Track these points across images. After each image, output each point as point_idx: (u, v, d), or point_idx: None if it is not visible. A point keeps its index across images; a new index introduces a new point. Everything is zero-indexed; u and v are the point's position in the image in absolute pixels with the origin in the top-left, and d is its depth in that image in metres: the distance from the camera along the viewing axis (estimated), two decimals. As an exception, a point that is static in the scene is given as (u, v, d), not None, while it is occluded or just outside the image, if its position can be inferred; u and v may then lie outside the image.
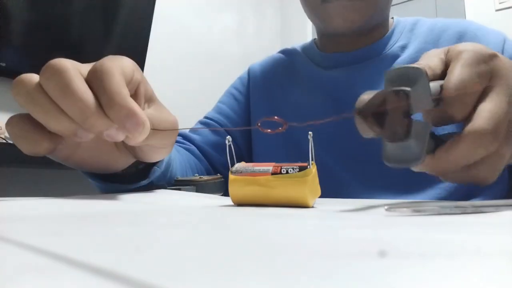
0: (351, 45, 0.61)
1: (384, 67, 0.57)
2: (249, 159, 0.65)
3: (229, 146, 0.27)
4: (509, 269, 0.10)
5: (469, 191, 0.49)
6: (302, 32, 2.63)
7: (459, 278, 0.09)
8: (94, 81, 0.27)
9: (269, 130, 0.32)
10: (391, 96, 0.25)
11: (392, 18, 0.64)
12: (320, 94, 0.59)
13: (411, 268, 0.10)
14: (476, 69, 0.27)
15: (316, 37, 0.68)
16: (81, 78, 0.27)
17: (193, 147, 0.63)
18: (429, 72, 0.27)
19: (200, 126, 0.67)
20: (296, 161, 0.30)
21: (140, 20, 1.73)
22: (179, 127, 0.34)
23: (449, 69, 0.28)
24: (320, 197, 0.28)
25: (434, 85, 0.26)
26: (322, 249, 0.12)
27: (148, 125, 0.27)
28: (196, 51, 2.19)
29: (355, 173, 0.53)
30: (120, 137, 0.28)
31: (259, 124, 0.31)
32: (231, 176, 0.27)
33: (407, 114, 0.25)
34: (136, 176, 0.39)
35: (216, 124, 0.66)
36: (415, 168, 0.27)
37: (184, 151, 0.60)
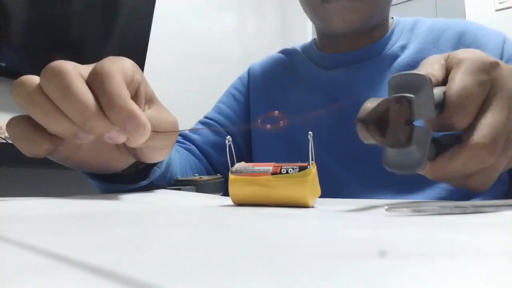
0: (351, 45, 0.61)
1: (384, 67, 0.57)
2: (249, 159, 0.65)
3: (229, 146, 0.27)
4: (509, 269, 0.10)
5: (468, 191, 0.49)
6: (302, 32, 2.63)
7: (459, 278, 0.09)
8: (95, 83, 0.27)
9: (268, 126, 0.32)
10: (394, 103, 0.25)
11: (392, 18, 0.64)
12: (320, 94, 0.59)
13: (411, 268, 0.10)
14: (478, 77, 0.27)
15: (316, 37, 0.68)
16: (81, 80, 0.27)
17: (193, 147, 0.63)
18: (432, 80, 0.27)
19: (200, 126, 0.67)
20: (296, 161, 0.30)
21: (140, 20, 1.73)
22: (179, 127, 0.34)
23: (450, 76, 0.28)
24: (320, 197, 0.28)
25: (436, 91, 0.26)
26: (322, 249, 0.12)
27: (148, 127, 0.27)
28: (196, 51, 2.19)
29: (355, 173, 0.53)
30: (120, 139, 0.28)
31: (259, 121, 0.31)
32: (231, 176, 0.27)
33: (410, 120, 0.25)
34: (136, 176, 0.39)
35: (216, 124, 0.66)
36: (423, 172, 0.28)
37: (184, 151, 0.60)
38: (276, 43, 2.70)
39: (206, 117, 0.68)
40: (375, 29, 0.60)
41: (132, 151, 0.35)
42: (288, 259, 0.11)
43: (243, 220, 0.20)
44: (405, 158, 0.25)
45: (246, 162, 0.30)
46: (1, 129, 1.28)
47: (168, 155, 0.39)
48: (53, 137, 0.28)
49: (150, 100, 0.33)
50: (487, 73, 0.27)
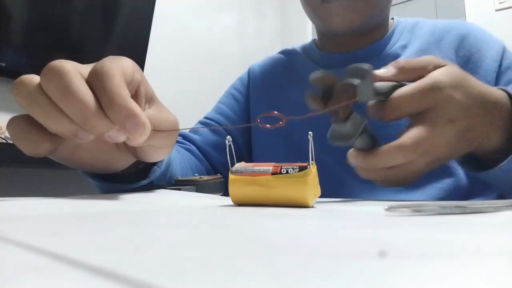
0: (351, 45, 0.61)
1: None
2: (249, 159, 0.65)
3: (229, 146, 0.27)
4: (509, 269, 0.10)
5: (468, 191, 0.49)
6: (302, 32, 2.63)
7: (459, 278, 0.09)
8: (95, 82, 0.27)
9: (268, 126, 0.32)
10: (342, 86, 0.32)
11: (392, 18, 0.64)
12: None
13: (411, 268, 0.10)
14: (423, 97, 0.32)
15: (316, 37, 0.68)
16: (81, 79, 0.27)
17: (193, 147, 0.63)
18: (378, 77, 0.34)
19: (200, 126, 0.67)
20: (296, 161, 0.30)
21: (140, 20, 1.73)
22: (179, 127, 0.34)
23: (407, 86, 0.33)
24: (320, 197, 0.28)
25: (384, 84, 0.34)
26: (322, 249, 0.12)
27: (148, 126, 0.27)
28: (196, 51, 2.19)
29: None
30: (121, 138, 0.28)
31: (258, 121, 0.31)
32: (231, 176, 0.27)
33: (353, 102, 0.32)
34: (136, 176, 0.39)
35: (216, 125, 0.66)
36: (351, 158, 0.34)
37: (184, 151, 0.60)
38: (276, 43, 2.70)
39: (206, 117, 0.68)
40: (375, 29, 0.60)
41: (132, 150, 0.35)
42: (288, 259, 0.11)
43: (243, 220, 0.20)
44: (341, 131, 0.32)
45: (246, 162, 0.30)
46: (1, 129, 1.28)
47: (168, 155, 0.39)
48: (53, 137, 0.28)
49: (150, 100, 0.33)
50: (433, 96, 0.32)
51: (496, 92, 0.37)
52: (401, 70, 0.34)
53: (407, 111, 0.33)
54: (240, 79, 0.72)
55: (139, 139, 0.28)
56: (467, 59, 0.55)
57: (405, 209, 0.20)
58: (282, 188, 0.26)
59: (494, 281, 0.09)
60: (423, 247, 0.13)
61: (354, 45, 0.60)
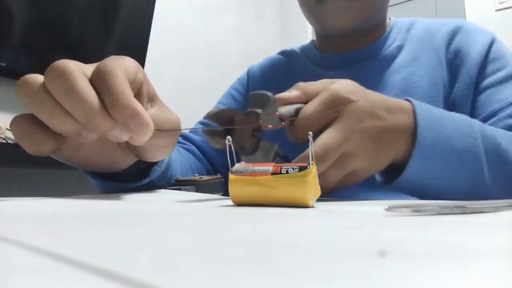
0: (349, 46, 0.61)
1: (382, 67, 0.58)
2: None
3: (229, 146, 0.27)
4: (509, 269, 0.10)
5: None
6: (302, 32, 2.63)
7: (459, 278, 0.09)
8: (98, 81, 0.27)
9: (270, 126, 0.33)
10: (243, 116, 0.31)
11: (390, 18, 0.64)
12: None
13: (411, 268, 0.10)
14: (326, 109, 0.33)
15: (315, 38, 0.69)
16: (85, 79, 0.27)
17: (193, 147, 0.63)
18: (283, 100, 0.34)
19: (200, 126, 0.67)
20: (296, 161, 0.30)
21: (140, 20, 1.73)
22: (181, 127, 0.34)
23: (309, 103, 0.34)
24: (320, 197, 0.28)
25: (288, 108, 0.33)
26: (322, 249, 0.12)
27: (151, 125, 0.28)
28: (196, 51, 2.19)
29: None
30: (124, 137, 0.28)
31: (260, 121, 0.31)
32: (231, 176, 0.27)
33: (258, 132, 0.31)
34: (137, 175, 0.39)
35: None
36: None
37: (185, 151, 0.60)
38: (276, 43, 2.70)
39: None
40: (373, 30, 0.60)
41: (133, 149, 0.35)
42: (288, 259, 0.11)
43: (243, 220, 0.20)
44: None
45: (246, 162, 0.30)
46: (1, 129, 1.28)
47: (169, 154, 0.39)
48: (57, 136, 0.28)
49: (152, 99, 0.33)
50: (335, 106, 0.33)
51: (396, 99, 0.37)
52: (304, 91, 0.35)
53: (317, 127, 0.33)
54: (239, 79, 0.72)
55: (142, 138, 0.28)
56: (455, 54, 0.56)
57: (405, 209, 0.20)
58: (282, 188, 0.25)
59: (494, 281, 0.09)
60: (423, 247, 0.13)
61: (351, 46, 0.61)
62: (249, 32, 2.56)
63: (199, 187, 0.42)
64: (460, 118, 0.39)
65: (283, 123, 0.33)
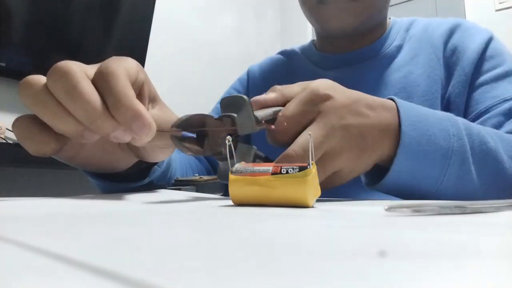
0: (349, 46, 0.61)
1: (382, 67, 0.58)
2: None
3: (229, 146, 0.27)
4: (509, 269, 0.10)
5: None
6: (302, 32, 2.63)
7: (459, 278, 0.09)
8: (100, 83, 0.27)
9: (272, 127, 0.32)
10: (217, 121, 0.30)
11: (389, 18, 0.64)
12: None
13: (411, 268, 0.10)
14: (305, 107, 0.32)
15: (315, 37, 0.69)
16: (87, 80, 0.27)
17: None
18: (260, 103, 0.34)
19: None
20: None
21: (140, 20, 1.73)
22: None
23: (288, 104, 0.33)
24: (320, 197, 0.28)
25: (266, 111, 0.32)
26: (322, 249, 0.12)
27: (154, 126, 0.28)
28: (196, 51, 2.19)
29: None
30: (126, 138, 0.28)
31: (258, 122, 0.31)
32: (231, 176, 0.27)
33: (235, 135, 0.30)
34: (137, 175, 0.39)
35: None
36: None
37: (184, 151, 0.60)
38: (276, 43, 2.70)
39: None
40: (373, 30, 0.60)
41: (135, 150, 0.35)
42: (288, 259, 0.11)
43: (243, 220, 0.20)
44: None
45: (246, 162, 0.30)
46: (1, 129, 1.28)
47: (170, 154, 0.39)
48: (59, 137, 0.28)
49: (154, 99, 0.34)
50: (315, 104, 0.32)
51: (378, 98, 0.36)
52: (281, 93, 0.34)
53: (297, 128, 0.32)
54: (239, 79, 0.72)
55: (144, 139, 0.28)
56: (452, 51, 0.56)
57: (405, 209, 0.20)
58: (282, 188, 0.25)
59: (494, 281, 0.09)
60: (423, 247, 0.13)
61: (352, 46, 0.61)
62: (249, 32, 2.56)
63: (199, 187, 0.42)
64: (445, 117, 0.38)
65: (265, 126, 0.32)
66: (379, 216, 0.20)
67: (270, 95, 0.34)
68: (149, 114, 0.27)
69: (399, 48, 0.59)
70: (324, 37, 0.64)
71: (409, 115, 0.35)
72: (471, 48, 0.54)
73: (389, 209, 0.20)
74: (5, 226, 0.17)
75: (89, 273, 0.09)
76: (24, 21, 1.37)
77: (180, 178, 0.45)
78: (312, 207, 0.26)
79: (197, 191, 0.42)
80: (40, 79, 0.27)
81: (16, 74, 1.31)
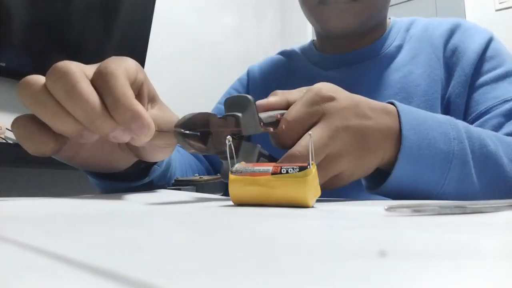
0: (349, 46, 0.61)
1: (382, 67, 0.58)
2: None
3: (229, 146, 0.27)
4: (509, 269, 0.10)
5: None
6: (302, 32, 2.63)
7: (459, 278, 0.09)
8: (100, 83, 0.27)
9: (271, 129, 0.33)
10: (221, 120, 0.30)
11: (389, 18, 0.64)
12: None
13: (411, 268, 0.10)
14: (309, 109, 0.32)
15: (315, 38, 0.69)
16: (87, 80, 0.27)
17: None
18: (264, 107, 0.33)
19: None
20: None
21: (140, 20, 1.73)
22: None
23: (291, 106, 0.33)
24: (320, 197, 0.28)
25: (271, 113, 0.33)
26: (322, 249, 0.12)
27: (153, 126, 0.28)
28: (196, 51, 2.19)
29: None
30: (125, 138, 0.28)
31: (262, 124, 0.31)
32: (231, 176, 0.27)
33: (239, 135, 0.30)
34: (137, 175, 0.39)
35: None
36: None
37: (185, 151, 0.60)
38: (276, 43, 2.70)
39: None
40: (373, 30, 0.60)
41: (134, 150, 0.35)
42: (288, 259, 0.11)
43: (243, 220, 0.20)
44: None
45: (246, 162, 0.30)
46: (1, 129, 1.28)
47: (170, 154, 0.39)
48: (58, 136, 0.28)
49: (153, 99, 0.34)
50: (319, 105, 0.32)
51: (379, 102, 0.36)
52: (283, 97, 0.34)
53: (302, 129, 0.32)
54: (239, 79, 0.72)
55: (143, 140, 0.28)
56: (452, 52, 0.56)
57: (405, 209, 0.20)
58: (282, 188, 0.25)
59: (494, 281, 0.09)
60: (423, 247, 0.13)
61: (352, 46, 0.61)
62: (249, 32, 2.56)
63: (199, 187, 0.42)
64: (446, 120, 0.38)
65: (269, 128, 0.32)
66: (379, 216, 0.20)
67: (272, 99, 0.34)
68: (148, 114, 0.27)
69: (399, 48, 0.59)
70: (324, 37, 0.64)
71: (409, 119, 0.35)
72: (471, 48, 0.54)
73: (389, 209, 0.20)
74: (5, 226, 0.17)
75: (89, 273, 0.09)
76: (24, 21, 1.37)
77: (180, 178, 0.45)
78: (312, 207, 0.26)
79: (197, 191, 0.42)
80: (39, 79, 0.27)
81: (16, 74, 1.31)
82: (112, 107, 0.27)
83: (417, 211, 0.20)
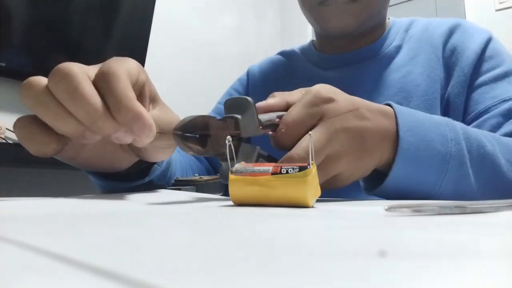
0: (349, 46, 0.61)
1: (381, 67, 0.58)
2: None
3: (229, 146, 0.27)
4: (509, 269, 0.10)
5: None
6: (302, 32, 2.63)
7: (459, 278, 0.09)
8: (102, 84, 0.27)
9: (270, 132, 0.33)
10: (221, 122, 0.30)
11: (389, 19, 0.64)
12: None
13: (411, 268, 0.10)
14: (308, 110, 0.32)
15: (315, 38, 0.69)
16: (89, 82, 0.27)
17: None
18: (263, 108, 0.33)
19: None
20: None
21: (140, 20, 1.73)
22: None
23: (291, 108, 0.33)
24: (320, 197, 0.28)
25: (270, 115, 0.33)
26: (322, 249, 0.12)
27: (154, 128, 0.28)
28: (196, 51, 2.19)
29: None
30: (127, 139, 0.28)
31: (260, 127, 0.31)
32: (231, 176, 0.27)
33: (238, 137, 0.30)
34: (137, 175, 0.39)
35: None
36: None
37: (184, 151, 0.60)
38: (276, 43, 2.70)
39: None
40: (372, 31, 0.60)
41: (135, 150, 0.35)
42: (288, 259, 0.11)
43: (243, 220, 0.20)
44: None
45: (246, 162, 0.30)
46: (1, 129, 1.28)
47: (171, 154, 0.39)
48: (60, 137, 0.29)
49: (154, 100, 0.34)
50: (318, 106, 0.32)
51: (376, 104, 0.37)
52: (282, 98, 0.34)
53: (301, 131, 0.32)
54: (239, 80, 0.72)
55: (145, 141, 0.28)
56: (451, 52, 0.56)
57: (405, 209, 0.20)
58: (282, 188, 0.25)
59: (494, 281, 0.09)
60: (423, 247, 0.13)
61: (351, 46, 0.61)
62: (249, 32, 2.56)
63: (199, 187, 0.42)
64: (443, 121, 0.38)
65: (268, 130, 0.32)
66: (379, 216, 0.20)
67: (271, 100, 0.34)
68: (149, 115, 0.28)
69: (398, 48, 0.59)
70: (323, 38, 0.64)
71: (406, 121, 0.36)
72: (470, 48, 0.54)
73: (389, 209, 0.20)
74: (5, 226, 0.17)
75: (89, 273, 0.09)
76: (24, 21, 1.37)
77: (180, 178, 0.45)
78: (312, 207, 0.26)
79: (197, 191, 0.42)
80: (42, 80, 0.27)
81: (16, 74, 1.31)
82: (114, 108, 0.27)
83: (417, 211, 0.20)
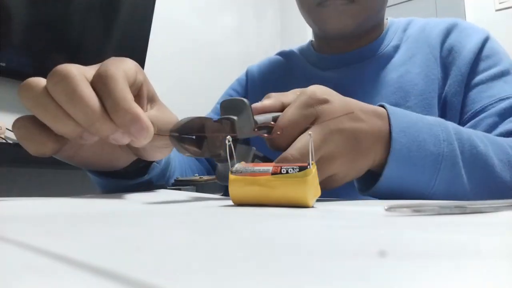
0: (347, 47, 0.61)
1: (379, 67, 0.58)
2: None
3: (229, 146, 0.27)
4: (509, 269, 0.10)
5: None
6: (302, 32, 2.63)
7: (459, 278, 0.09)
8: (99, 86, 0.27)
9: (266, 135, 0.33)
10: (217, 123, 0.30)
11: (387, 19, 0.65)
12: None
13: (411, 268, 0.10)
14: (303, 111, 0.32)
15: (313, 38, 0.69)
16: (87, 83, 0.27)
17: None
18: (259, 110, 0.33)
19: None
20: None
21: (140, 20, 1.73)
22: None
23: (286, 109, 0.33)
24: (320, 197, 0.28)
25: (266, 116, 0.33)
26: (322, 249, 0.12)
27: (151, 129, 0.28)
28: (196, 51, 2.19)
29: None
30: (125, 140, 0.28)
31: (256, 130, 0.31)
32: (231, 176, 0.27)
33: (234, 138, 0.30)
34: (136, 173, 0.40)
35: None
36: None
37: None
38: (276, 43, 2.70)
39: None
40: (370, 31, 0.60)
41: (133, 149, 0.35)
42: (288, 259, 0.11)
43: (243, 220, 0.20)
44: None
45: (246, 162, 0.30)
46: (1, 129, 1.28)
47: (169, 153, 0.39)
48: (58, 137, 0.29)
49: (152, 100, 0.34)
50: (313, 107, 0.32)
51: (370, 105, 0.37)
52: (278, 100, 0.34)
53: (296, 132, 0.32)
54: (238, 80, 0.73)
55: (143, 142, 0.28)
56: (449, 51, 0.56)
57: (405, 209, 0.20)
58: (282, 188, 0.25)
59: (494, 281, 0.09)
60: (423, 247, 0.13)
61: (349, 47, 0.61)
62: (249, 32, 2.56)
63: (199, 187, 0.42)
64: (436, 122, 0.38)
65: (264, 133, 0.32)
66: (379, 216, 0.20)
67: (267, 102, 0.35)
68: (147, 117, 0.28)
69: (396, 48, 0.59)
70: (322, 38, 0.64)
71: (399, 122, 0.36)
72: (467, 48, 0.54)
73: (389, 209, 0.20)
74: (5, 226, 0.17)
75: (89, 273, 0.09)
76: (24, 21, 1.37)
77: (180, 178, 0.45)
78: (312, 207, 0.26)
79: (197, 191, 0.42)
80: (40, 81, 0.27)
81: (16, 74, 1.31)
82: (112, 110, 0.27)
83: (417, 211, 0.20)
